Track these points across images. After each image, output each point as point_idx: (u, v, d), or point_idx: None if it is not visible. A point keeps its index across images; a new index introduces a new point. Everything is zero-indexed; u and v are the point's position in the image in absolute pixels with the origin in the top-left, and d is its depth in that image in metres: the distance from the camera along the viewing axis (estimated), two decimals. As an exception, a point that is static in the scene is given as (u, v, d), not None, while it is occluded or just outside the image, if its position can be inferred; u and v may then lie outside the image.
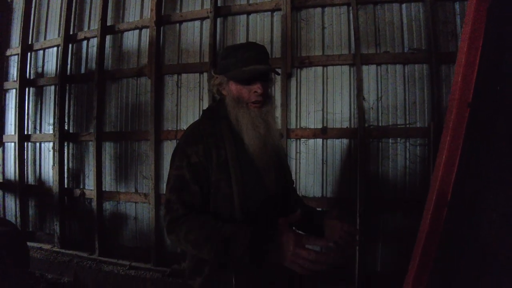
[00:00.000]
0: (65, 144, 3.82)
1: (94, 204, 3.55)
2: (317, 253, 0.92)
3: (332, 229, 1.18)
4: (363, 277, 2.71)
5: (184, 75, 3.29)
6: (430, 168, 2.60)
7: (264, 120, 1.19)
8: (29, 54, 4.14)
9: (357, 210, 2.71)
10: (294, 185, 1.50)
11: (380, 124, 2.79)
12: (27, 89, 4.12)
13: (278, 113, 2.95)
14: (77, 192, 3.72)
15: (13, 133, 4.18)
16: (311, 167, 2.93)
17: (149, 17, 3.37)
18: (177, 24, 3.35)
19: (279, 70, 2.94)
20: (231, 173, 1.13)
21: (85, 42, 3.78)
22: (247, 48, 1.20)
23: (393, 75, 2.79)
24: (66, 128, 3.83)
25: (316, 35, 2.94)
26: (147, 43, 3.38)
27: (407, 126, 2.74)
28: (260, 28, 3.08)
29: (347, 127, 2.85)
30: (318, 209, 1.40)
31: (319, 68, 2.91)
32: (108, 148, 3.62)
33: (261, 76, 1.17)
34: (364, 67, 2.81)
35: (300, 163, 2.96)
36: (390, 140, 2.78)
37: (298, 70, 2.96)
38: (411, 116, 2.75)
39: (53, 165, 3.79)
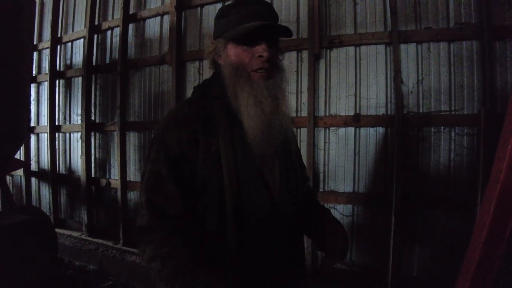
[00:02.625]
0: (92, 134, 3.88)
1: (119, 194, 3.55)
2: None
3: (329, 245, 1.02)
4: (397, 281, 2.46)
5: (205, 61, 3.14)
6: (479, 162, 2.27)
7: (270, 95, 0.93)
8: (58, 46, 4.23)
9: (392, 208, 2.44)
10: (309, 183, 1.24)
11: (420, 111, 2.48)
12: (57, 81, 4.22)
13: (304, 98, 2.73)
14: (103, 182, 3.76)
15: (46, 124, 4.31)
16: (341, 159, 2.68)
17: (170, 2, 3.26)
18: (198, 8, 3.20)
19: (305, 52, 2.72)
20: (224, 168, 0.88)
21: (109, 32, 3.78)
22: (249, 1, 0.95)
23: (436, 54, 2.45)
24: (92, 118, 3.89)
25: (347, 12, 2.65)
26: (169, 29, 3.28)
27: (453, 112, 2.40)
28: (285, 6, 2.84)
29: (382, 114, 2.56)
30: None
31: (351, 48, 2.63)
32: (132, 138, 3.61)
33: (267, 36, 0.92)
34: (402, 46, 2.50)
35: (329, 154, 2.72)
36: (432, 129, 2.46)
37: (328, 50, 2.70)
38: (457, 101, 2.41)
39: (81, 155, 3.85)
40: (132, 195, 3.57)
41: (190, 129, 0.90)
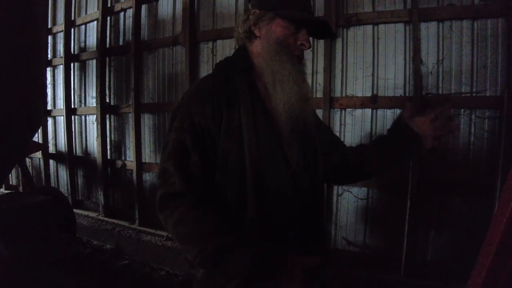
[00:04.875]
0: (107, 116, 3.93)
1: (134, 175, 3.61)
2: None
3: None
4: (410, 264, 2.44)
5: (219, 42, 3.12)
6: (500, 146, 2.19)
7: (304, 80, 1.01)
8: (72, 30, 4.25)
9: (408, 192, 2.41)
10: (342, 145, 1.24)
11: (440, 92, 2.39)
12: (72, 64, 4.26)
13: (320, 79, 2.68)
14: (119, 163, 3.82)
15: (62, 107, 4.38)
16: (357, 141, 2.63)
17: (183, -20, 3.21)
18: (213, -14, 3.15)
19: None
20: (245, 142, 0.90)
21: (122, 14, 3.76)
22: None
23: (458, 33, 2.34)
24: (107, 101, 3.92)
25: (366, -12, 2.56)
26: (182, 9, 3.23)
27: (474, 94, 2.31)
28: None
29: (400, 95, 2.49)
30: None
31: (369, 27, 2.54)
32: (147, 120, 3.64)
33: (309, 28, 1.00)
34: (423, 25, 2.39)
35: (345, 136, 2.67)
36: (452, 111, 2.34)
37: (344, 29, 2.62)
38: (479, 83, 2.30)
39: (97, 137, 3.92)
40: (148, 177, 3.63)
41: (214, 102, 0.92)
